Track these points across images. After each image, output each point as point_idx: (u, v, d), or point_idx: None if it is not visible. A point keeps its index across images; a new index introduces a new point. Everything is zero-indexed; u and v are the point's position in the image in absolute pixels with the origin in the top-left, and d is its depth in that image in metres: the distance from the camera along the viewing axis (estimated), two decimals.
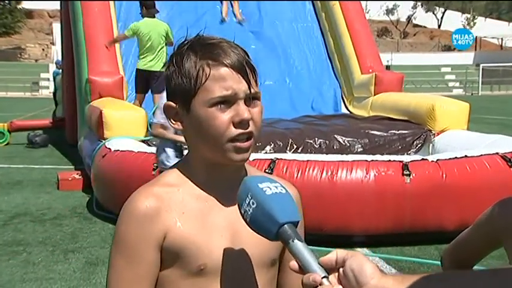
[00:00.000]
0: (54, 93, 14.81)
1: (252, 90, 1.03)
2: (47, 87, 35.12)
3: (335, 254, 0.84)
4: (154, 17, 7.42)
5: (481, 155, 4.74)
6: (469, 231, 1.29)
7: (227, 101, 1.01)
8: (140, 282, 1.02)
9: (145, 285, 1.03)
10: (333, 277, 0.83)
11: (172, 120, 1.07)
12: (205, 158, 1.06)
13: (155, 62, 7.30)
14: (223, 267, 1.03)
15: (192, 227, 1.02)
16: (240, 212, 0.92)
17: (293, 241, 0.86)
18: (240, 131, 1.01)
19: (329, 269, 0.84)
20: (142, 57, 7.38)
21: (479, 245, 1.27)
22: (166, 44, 7.33)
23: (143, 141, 6.29)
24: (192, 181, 1.07)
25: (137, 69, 7.49)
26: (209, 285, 1.03)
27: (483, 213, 1.24)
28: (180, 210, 1.03)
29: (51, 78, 22.50)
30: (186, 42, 1.06)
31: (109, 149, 5.64)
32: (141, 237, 1.01)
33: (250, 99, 1.03)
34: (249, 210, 0.89)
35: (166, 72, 1.07)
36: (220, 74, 1.01)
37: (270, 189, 0.90)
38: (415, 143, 7.00)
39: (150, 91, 7.43)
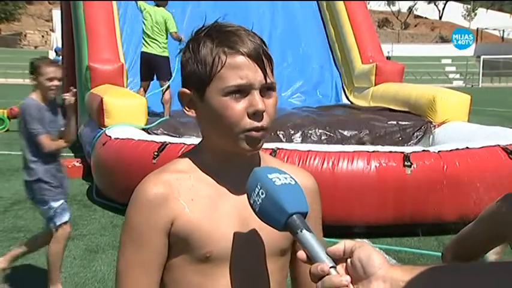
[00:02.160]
0: None
1: (268, 81, 1.01)
2: None
3: (343, 245, 0.84)
4: (159, 6, 7.42)
5: (482, 146, 4.74)
6: (473, 225, 1.28)
7: (242, 91, 0.99)
8: (147, 267, 1.02)
9: (153, 271, 1.03)
10: (341, 267, 0.83)
11: (186, 107, 1.06)
12: (217, 146, 1.05)
13: (149, 45, 7.33)
14: (230, 255, 1.03)
15: (200, 213, 1.02)
16: (249, 202, 0.92)
17: (301, 231, 0.86)
18: (254, 122, 1.00)
19: (336, 259, 0.84)
20: (143, 40, 7.46)
21: (483, 240, 1.26)
22: (167, 33, 7.32)
23: (143, 129, 6.28)
24: (202, 168, 1.06)
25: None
26: (215, 272, 1.03)
27: (487, 208, 1.24)
28: (189, 196, 1.02)
29: None
30: (203, 28, 1.04)
31: (109, 136, 5.63)
32: (149, 223, 1.01)
33: (266, 89, 1.01)
34: (258, 200, 0.90)
35: (182, 58, 1.05)
36: (236, 63, 0.99)
37: (280, 179, 0.91)
38: (415, 134, 7.00)
39: (156, 78, 7.43)
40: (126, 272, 1.03)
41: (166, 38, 7.31)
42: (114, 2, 8.54)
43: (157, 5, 7.40)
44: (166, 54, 7.30)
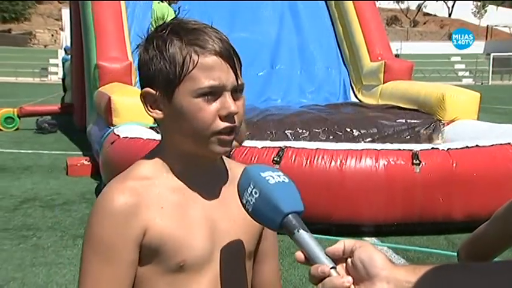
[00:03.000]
0: (63, 79, 14.85)
1: (239, 82, 0.98)
2: (56, 73, 35.24)
3: (342, 244, 0.82)
4: (165, 1, 7.47)
5: (493, 145, 4.70)
6: (487, 225, 1.26)
7: (213, 92, 0.95)
8: (120, 282, 0.96)
9: (125, 285, 0.97)
10: (341, 268, 0.81)
11: (149, 107, 1.00)
12: (182, 148, 1.00)
13: None
14: (203, 263, 0.99)
15: (171, 221, 0.97)
16: (241, 202, 0.89)
17: (298, 231, 0.83)
18: (226, 124, 0.96)
19: (336, 260, 0.81)
20: None
21: (497, 240, 1.24)
22: None
23: (152, 128, 6.29)
24: (166, 173, 1.01)
25: None
26: (188, 281, 0.98)
27: (501, 207, 1.22)
28: (158, 204, 0.97)
29: (60, 64, 22.54)
30: (165, 25, 0.99)
31: (118, 135, 5.65)
32: (120, 236, 0.94)
33: (235, 91, 0.98)
34: (251, 200, 0.87)
35: (144, 55, 0.99)
36: (209, 63, 0.95)
37: (273, 178, 0.87)
38: (424, 132, 6.96)
39: None
40: None
41: None
42: (122, 1, 8.57)
43: (162, 0, 7.45)
44: None
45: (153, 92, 0.99)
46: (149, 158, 1.04)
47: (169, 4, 7.45)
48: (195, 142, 0.98)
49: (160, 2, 7.49)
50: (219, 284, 1.01)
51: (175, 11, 7.44)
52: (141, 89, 1.03)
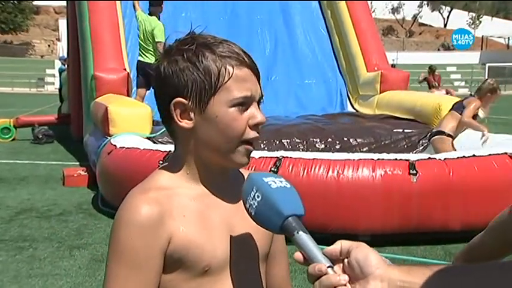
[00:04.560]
0: (60, 90, 14.84)
1: (262, 93, 1.05)
2: (53, 83, 35.22)
3: (339, 245, 0.85)
4: (152, 14, 7.54)
5: (490, 154, 4.71)
6: (483, 234, 1.27)
7: (245, 103, 1.01)
8: None
9: None
10: (338, 268, 0.84)
11: (179, 117, 1.02)
12: (204, 157, 1.03)
13: (144, 55, 7.56)
14: (226, 266, 1.04)
15: (194, 229, 1.01)
16: (245, 207, 0.92)
17: (298, 233, 0.87)
18: (256, 133, 1.03)
19: (333, 260, 0.84)
20: (139, 50, 7.61)
21: (493, 249, 1.25)
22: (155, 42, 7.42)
23: (149, 138, 6.29)
24: (185, 182, 1.05)
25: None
26: (213, 284, 1.02)
27: (497, 217, 1.22)
28: (180, 213, 1.01)
29: (57, 74, 22.55)
30: (188, 39, 1.03)
31: (114, 145, 5.64)
32: (148, 247, 0.97)
33: (259, 102, 1.05)
34: (254, 203, 0.90)
35: (172, 67, 1.01)
36: (243, 75, 1.01)
37: (275, 183, 0.91)
38: (420, 142, 6.98)
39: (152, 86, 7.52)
40: None
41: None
42: (119, 11, 8.60)
43: (150, 14, 7.53)
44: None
45: (185, 101, 1.02)
46: (167, 168, 1.07)
47: (157, 16, 7.50)
48: (221, 151, 1.02)
49: (146, 13, 7.58)
50: (241, 286, 1.05)
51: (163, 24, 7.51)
52: (161, 98, 1.04)
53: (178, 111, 1.02)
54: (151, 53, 7.43)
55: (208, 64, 1.00)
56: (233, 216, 1.05)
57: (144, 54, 7.51)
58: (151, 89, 7.54)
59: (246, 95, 1.01)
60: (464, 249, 1.34)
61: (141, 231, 0.97)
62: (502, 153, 4.73)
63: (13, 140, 10.88)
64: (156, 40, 7.34)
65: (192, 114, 1.02)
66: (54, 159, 8.76)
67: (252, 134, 1.02)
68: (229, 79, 1.00)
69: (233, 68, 1.00)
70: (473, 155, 4.69)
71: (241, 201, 1.03)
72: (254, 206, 0.90)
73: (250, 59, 1.03)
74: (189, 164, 1.05)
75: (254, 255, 1.07)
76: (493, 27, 52.23)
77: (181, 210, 1.01)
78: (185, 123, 1.02)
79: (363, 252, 0.82)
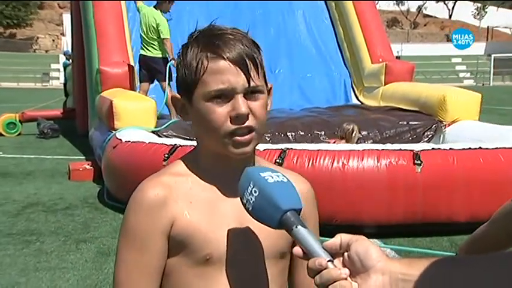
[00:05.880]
0: (65, 84, 14.87)
1: (252, 84, 1.00)
2: (57, 78, 35.31)
3: (339, 238, 0.84)
4: (159, 10, 7.42)
5: (497, 148, 4.69)
6: (486, 226, 1.27)
7: (224, 95, 0.99)
8: (150, 271, 1.02)
9: (155, 274, 1.03)
10: (338, 262, 0.83)
11: (179, 111, 1.07)
12: (210, 149, 1.05)
13: (146, 48, 7.44)
14: (230, 258, 1.03)
15: (199, 216, 1.02)
16: (242, 202, 0.92)
17: (296, 227, 0.86)
18: (236, 125, 1.00)
19: (333, 254, 0.84)
20: (141, 44, 7.55)
21: (497, 240, 1.25)
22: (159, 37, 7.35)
23: (154, 132, 6.30)
24: (200, 171, 1.07)
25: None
26: (215, 274, 1.02)
27: (500, 208, 1.22)
28: (187, 199, 1.03)
29: (62, 69, 22.58)
30: (193, 32, 1.05)
31: (119, 139, 5.66)
32: (149, 226, 1.01)
33: (251, 92, 1.01)
34: (251, 199, 0.89)
35: (178, 62, 1.06)
36: (218, 67, 0.99)
37: (272, 177, 0.90)
38: (425, 133, 6.96)
39: (156, 80, 7.51)
40: (126, 276, 1.02)
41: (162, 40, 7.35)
42: (123, 5, 8.59)
43: (156, 7, 7.40)
44: (162, 55, 7.36)
45: (179, 97, 1.06)
46: (186, 157, 1.11)
47: (162, 12, 7.41)
48: (214, 143, 1.03)
49: (149, 6, 7.47)
50: (244, 280, 1.04)
51: (168, 20, 7.43)
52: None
53: (177, 106, 1.07)
54: (154, 46, 7.36)
55: (191, 58, 1.01)
56: (244, 210, 1.04)
57: (146, 47, 7.43)
58: (156, 83, 7.54)
59: (220, 87, 0.99)
60: (468, 240, 1.34)
61: (145, 211, 1.01)
62: (509, 148, 4.70)
63: (19, 134, 10.93)
64: (162, 37, 7.26)
65: (187, 109, 1.05)
66: (60, 154, 8.80)
67: (231, 127, 1.00)
68: (204, 73, 1.00)
69: (208, 61, 0.99)
70: (480, 147, 4.67)
71: None
72: (251, 201, 0.89)
73: (235, 50, 0.99)
74: (201, 154, 1.08)
75: (260, 252, 1.06)
76: (498, 17, 51.88)
77: (189, 196, 1.03)
78: (184, 118, 1.07)
79: (363, 246, 0.81)
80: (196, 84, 1.00)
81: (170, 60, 7.24)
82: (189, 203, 1.02)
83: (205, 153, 1.06)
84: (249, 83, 1.00)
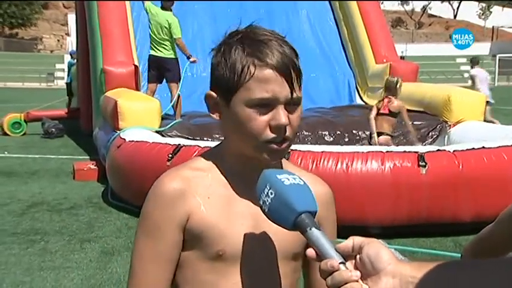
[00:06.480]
0: (68, 84, 14.93)
1: (294, 95, 1.01)
2: (62, 78, 35.37)
3: (352, 241, 0.85)
4: (165, 8, 7.39)
5: (499, 146, 4.68)
6: (492, 226, 1.26)
7: (267, 104, 1.00)
8: (162, 261, 1.04)
9: (166, 264, 1.05)
10: (350, 264, 0.84)
11: (211, 109, 1.07)
12: (238, 149, 1.06)
13: (157, 49, 7.36)
14: (242, 255, 1.04)
15: (215, 212, 1.04)
16: (259, 203, 0.93)
17: (310, 229, 0.87)
18: (275, 135, 1.01)
19: (346, 256, 0.84)
20: (150, 44, 7.49)
21: (503, 241, 1.24)
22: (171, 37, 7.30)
23: (158, 132, 6.31)
24: (221, 169, 1.08)
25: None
26: (227, 271, 1.04)
27: (507, 209, 1.22)
28: (205, 194, 1.05)
29: (66, 69, 22.65)
30: (237, 32, 1.04)
31: (124, 139, 5.67)
32: (165, 218, 1.03)
33: (291, 104, 1.02)
34: (267, 200, 0.91)
35: (214, 60, 1.06)
36: (264, 76, 0.99)
37: (288, 180, 0.92)
38: (430, 134, 6.95)
39: (165, 80, 7.47)
40: (139, 264, 1.05)
41: (174, 41, 7.30)
42: (128, 5, 8.61)
43: (163, 8, 7.37)
44: (174, 56, 7.32)
45: (215, 95, 1.06)
46: (209, 153, 1.12)
47: (162, 8, 7.39)
48: (247, 146, 1.04)
49: (157, 6, 7.44)
50: (256, 278, 1.06)
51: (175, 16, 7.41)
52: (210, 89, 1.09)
53: (210, 103, 1.07)
54: (165, 47, 7.31)
55: (235, 61, 1.01)
56: (261, 211, 1.05)
57: (156, 48, 7.36)
58: (164, 83, 7.51)
59: (264, 96, 0.99)
60: (473, 240, 1.33)
61: (161, 204, 1.04)
62: (511, 146, 4.69)
63: (24, 134, 10.97)
64: (175, 37, 7.21)
65: (221, 108, 1.05)
66: (65, 153, 8.83)
67: (270, 136, 1.00)
68: (250, 79, 0.99)
69: (255, 68, 0.99)
70: (483, 147, 4.66)
71: None
72: (267, 203, 0.91)
73: (283, 60, 1.00)
74: (226, 152, 1.09)
75: (273, 251, 1.07)
76: (503, 17, 51.70)
77: (207, 191, 1.05)
78: (215, 116, 1.07)
79: (374, 248, 0.82)
80: (238, 88, 1.00)
81: (188, 58, 7.22)
82: (207, 198, 1.04)
83: (231, 152, 1.08)
84: (292, 94, 1.01)
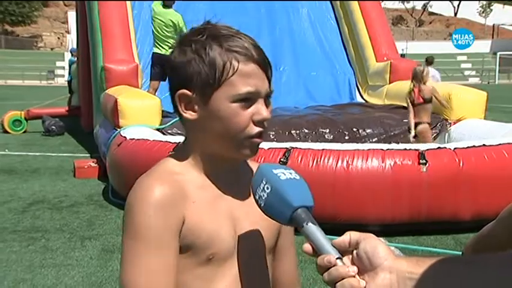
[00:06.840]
0: (69, 81, 14.93)
1: (271, 89, 1.04)
2: (63, 76, 35.41)
3: (348, 236, 0.85)
4: (167, 6, 7.44)
5: (500, 144, 4.68)
6: (493, 224, 1.26)
7: (249, 99, 1.00)
8: (169, 269, 0.97)
9: (174, 272, 0.99)
10: (347, 259, 0.84)
11: (183, 108, 1.03)
12: (210, 149, 1.04)
13: (161, 47, 7.42)
14: (229, 257, 1.04)
15: (202, 216, 1.01)
16: (255, 198, 0.92)
17: (307, 224, 0.87)
18: (259, 129, 1.02)
19: (342, 251, 0.84)
20: (154, 42, 7.53)
21: (504, 239, 1.24)
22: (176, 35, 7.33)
23: (158, 129, 6.32)
24: (193, 170, 1.05)
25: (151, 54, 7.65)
26: (215, 274, 1.02)
27: (507, 207, 1.22)
28: (191, 198, 1.01)
29: (67, 67, 22.65)
30: (201, 29, 1.02)
31: (124, 137, 5.67)
32: (165, 225, 0.97)
33: (266, 97, 1.03)
34: (263, 195, 0.91)
35: (181, 58, 1.02)
36: (248, 70, 1.00)
37: (285, 174, 0.91)
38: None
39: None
40: (147, 281, 0.95)
41: None
42: (128, 3, 8.60)
43: (165, 6, 7.42)
44: None
45: (189, 93, 1.02)
46: (175, 156, 1.07)
47: (165, 6, 7.42)
48: (226, 144, 1.02)
49: (162, 6, 7.47)
50: (242, 278, 1.05)
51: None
52: (172, 88, 1.05)
53: (183, 102, 1.03)
54: (169, 44, 7.34)
55: (214, 57, 0.99)
56: (237, 209, 1.05)
57: (160, 45, 7.41)
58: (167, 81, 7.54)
59: (249, 90, 0.99)
60: (474, 239, 1.33)
61: (157, 210, 0.96)
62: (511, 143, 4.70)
63: (24, 132, 10.97)
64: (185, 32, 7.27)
65: (196, 107, 1.02)
66: (65, 151, 8.83)
67: (255, 130, 1.01)
68: (233, 74, 0.99)
69: (238, 63, 0.99)
70: (484, 145, 4.66)
71: (247, 194, 1.04)
72: (263, 198, 0.90)
73: (261, 55, 1.01)
74: (195, 153, 1.05)
75: (258, 249, 1.07)
76: (504, 15, 51.64)
77: (191, 196, 1.01)
78: (189, 115, 1.03)
79: (371, 244, 0.82)
80: (220, 84, 0.99)
81: None
82: (192, 203, 1.01)
83: (200, 152, 1.05)
84: (269, 87, 1.03)
